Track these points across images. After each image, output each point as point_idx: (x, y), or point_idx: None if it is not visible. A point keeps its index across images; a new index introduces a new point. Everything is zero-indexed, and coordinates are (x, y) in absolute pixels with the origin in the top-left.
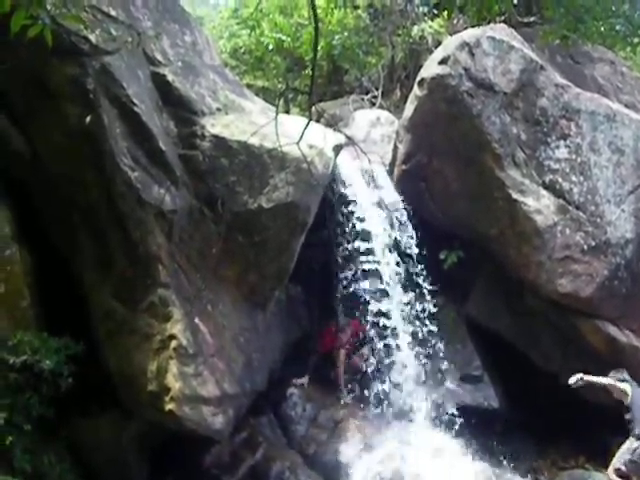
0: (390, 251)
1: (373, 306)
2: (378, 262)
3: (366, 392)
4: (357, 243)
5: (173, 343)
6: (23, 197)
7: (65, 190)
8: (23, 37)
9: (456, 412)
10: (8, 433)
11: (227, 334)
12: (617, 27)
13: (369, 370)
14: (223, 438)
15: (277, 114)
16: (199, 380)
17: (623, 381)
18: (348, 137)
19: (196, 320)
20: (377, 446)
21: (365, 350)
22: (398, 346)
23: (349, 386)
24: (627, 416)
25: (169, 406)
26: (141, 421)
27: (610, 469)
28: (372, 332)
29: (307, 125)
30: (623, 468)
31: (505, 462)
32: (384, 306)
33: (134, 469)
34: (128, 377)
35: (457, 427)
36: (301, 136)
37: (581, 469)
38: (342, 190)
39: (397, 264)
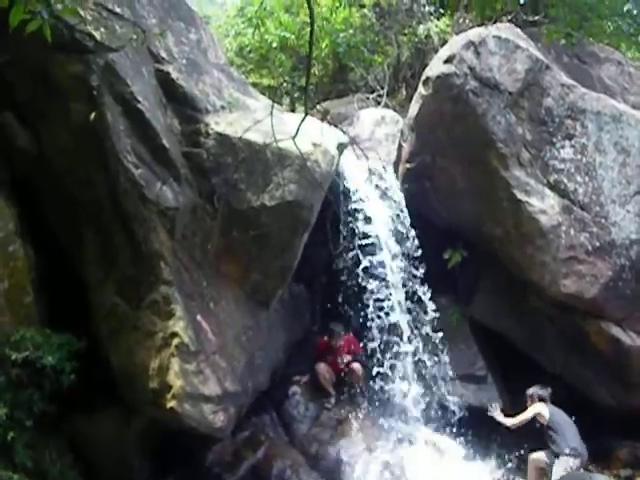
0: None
1: (376, 304)
2: (382, 263)
3: (368, 393)
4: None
5: (175, 340)
6: (28, 193)
7: (70, 187)
8: (26, 33)
9: (459, 412)
10: (9, 428)
11: (229, 332)
12: (622, 25)
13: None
14: (224, 436)
15: (272, 108)
16: (200, 378)
17: (541, 400)
18: (350, 137)
19: (198, 318)
20: (379, 446)
21: (356, 365)
22: (400, 345)
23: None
24: (550, 433)
25: (170, 403)
26: (143, 418)
27: None
28: (375, 331)
29: (303, 119)
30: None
31: (508, 463)
32: (387, 304)
33: (135, 466)
34: (130, 374)
35: (460, 427)
36: (297, 130)
37: (584, 470)
38: (345, 187)
39: (400, 262)
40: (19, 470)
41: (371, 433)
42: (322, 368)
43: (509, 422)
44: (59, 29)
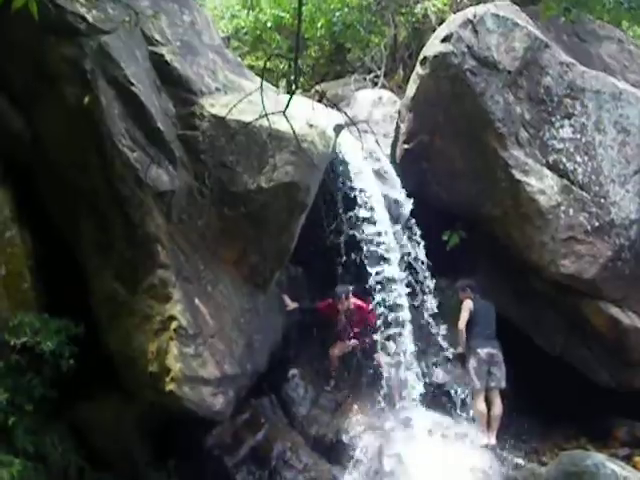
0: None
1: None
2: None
3: (367, 374)
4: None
5: (173, 324)
6: (24, 179)
7: (66, 172)
8: (12, 10)
9: (458, 393)
10: (10, 414)
11: (227, 315)
12: (622, 1)
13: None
14: (224, 419)
15: (262, 83)
16: (199, 361)
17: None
18: (349, 117)
19: (196, 301)
20: (378, 427)
21: (380, 358)
22: (400, 325)
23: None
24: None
25: (169, 387)
26: (142, 402)
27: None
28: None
29: (293, 92)
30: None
31: (507, 443)
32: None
33: (136, 450)
34: (129, 358)
35: (459, 408)
36: (287, 105)
37: (581, 450)
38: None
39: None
40: (20, 455)
41: (370, 415)
42: (335, 353)
43: (460, 326)
44: (48, 9)
